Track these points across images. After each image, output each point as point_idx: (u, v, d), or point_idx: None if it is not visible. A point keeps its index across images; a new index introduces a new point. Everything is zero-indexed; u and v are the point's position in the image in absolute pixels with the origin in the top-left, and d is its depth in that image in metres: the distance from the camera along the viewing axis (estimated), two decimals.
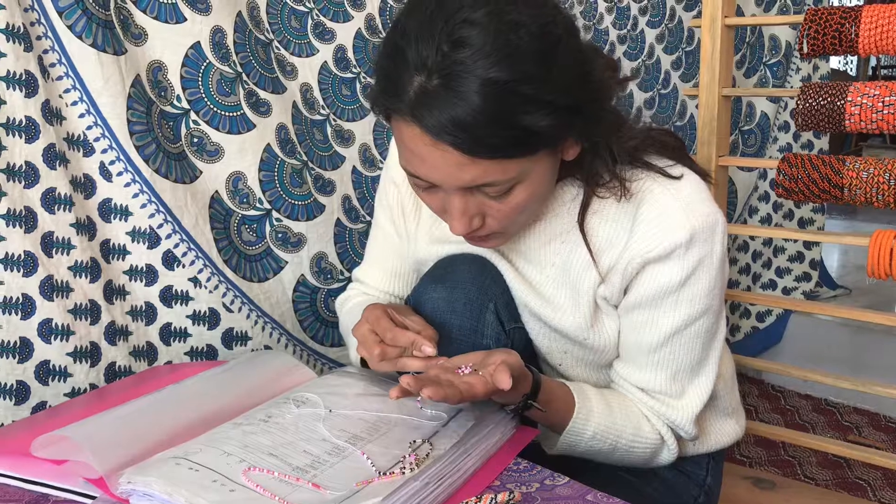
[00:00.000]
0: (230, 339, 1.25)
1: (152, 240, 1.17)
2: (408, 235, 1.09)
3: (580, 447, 0.94)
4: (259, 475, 0.72)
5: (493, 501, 0.66)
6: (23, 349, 1.04)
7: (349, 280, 1.38)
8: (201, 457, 0.73)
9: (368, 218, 1.43)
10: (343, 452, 0.78)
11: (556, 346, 0.99)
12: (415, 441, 0.81)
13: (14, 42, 1.01)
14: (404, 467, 0.75)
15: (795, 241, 2.33)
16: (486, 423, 0.86)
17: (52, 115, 1.07)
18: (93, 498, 0.72)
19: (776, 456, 1.83)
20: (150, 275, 1.18)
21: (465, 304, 0.95)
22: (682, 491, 1.08)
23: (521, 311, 0.99)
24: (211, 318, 1.23)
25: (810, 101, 1.34)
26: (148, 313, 1.18)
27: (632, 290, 0.93)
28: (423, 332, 0.88)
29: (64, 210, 1.07)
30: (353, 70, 1.41)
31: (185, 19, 1.18)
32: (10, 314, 1.02)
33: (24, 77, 1.03)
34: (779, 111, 2.21)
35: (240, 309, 1.26)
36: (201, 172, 1.22)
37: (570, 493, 0.77)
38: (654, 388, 0.95)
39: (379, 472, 0.74)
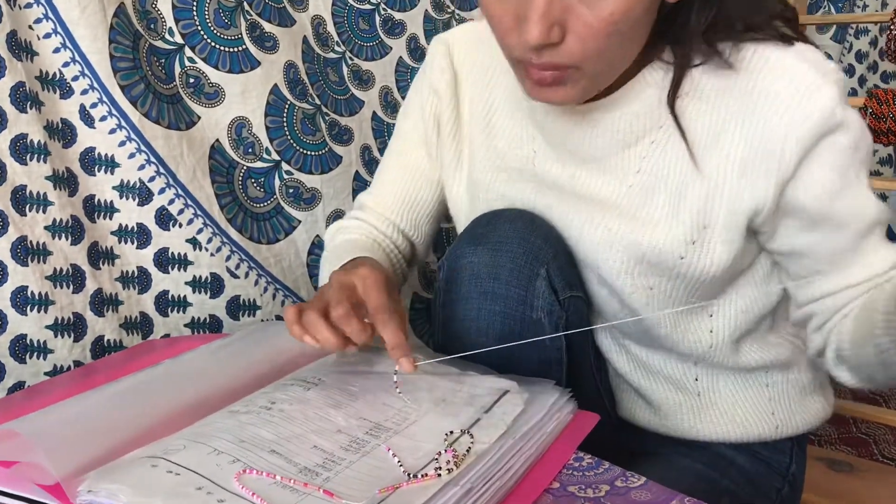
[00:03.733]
0: (236, 308, 1.10)
1: (143, 195, 1.02)
2: (440, 161, 0.92)
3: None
4: (256, 479, 0.57)
5: None
6: None
7: None
8: (184, 456, 0.58)
9: None
10: (363, 447, 0.63)
11: (642, 283, 0.81)
12: (452, 432, 0.65)
13: None
14: (440, 467, 0.59)
15: None
16: (538, 407, 0.71)
17: (21, 48, 0.92)
18: None
19: (847, 433, 1.65)
20: (142, 235, 1.03)
21: (512, 270, 0.79)
22: (763, 482, 0.92)
23: (597, 248, 0.82)
24: (213, 285, 1.08)
25: None
26: (141, 280, 1.04)
27: (801, 178, 0.74)
28: (392, 353, 0.72)
29: (38, 160, 0.93)
30: (373, 1, 1.24)
31: None
32: None
33: None
34: (843, 52, 2.00)
35: (246, 274, 1.11)
36: (199, 118, 1.07)
37: (649, 499, 0.61)
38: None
39: (408, 475, 0.59)
